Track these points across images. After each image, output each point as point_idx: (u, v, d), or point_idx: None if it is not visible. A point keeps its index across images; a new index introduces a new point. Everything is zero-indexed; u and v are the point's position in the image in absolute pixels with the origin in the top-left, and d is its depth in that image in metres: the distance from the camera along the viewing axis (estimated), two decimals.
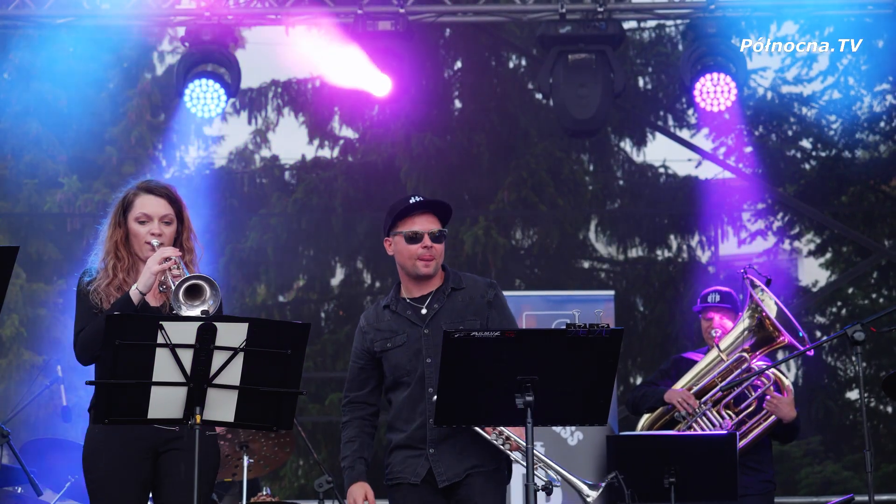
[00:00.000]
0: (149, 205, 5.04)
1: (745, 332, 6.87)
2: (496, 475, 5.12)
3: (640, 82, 14.71)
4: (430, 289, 5.20)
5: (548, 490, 4.87)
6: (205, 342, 4.45)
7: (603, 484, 5.12)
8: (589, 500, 5.00)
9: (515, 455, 5.00)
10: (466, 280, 5.25)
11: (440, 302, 5.17)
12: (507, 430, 5.00)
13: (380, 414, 5.42)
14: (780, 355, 6.99)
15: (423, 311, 5.15)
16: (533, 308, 9.67)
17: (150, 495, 5.00)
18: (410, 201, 5.23)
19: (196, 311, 4.71)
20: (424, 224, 5.21)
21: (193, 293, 4.74)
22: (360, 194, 14.03)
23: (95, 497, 4.91)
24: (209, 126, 14.02)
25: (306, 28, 9.50)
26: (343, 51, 9.34)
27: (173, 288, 4.73)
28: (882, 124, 14.02)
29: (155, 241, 4.99)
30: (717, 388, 6.81)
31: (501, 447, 5.01)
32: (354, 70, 9.43)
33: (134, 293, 4.87)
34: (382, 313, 5.24)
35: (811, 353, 6.96)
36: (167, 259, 4.87)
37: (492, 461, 5.10)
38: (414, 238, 5.20)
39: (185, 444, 4.81)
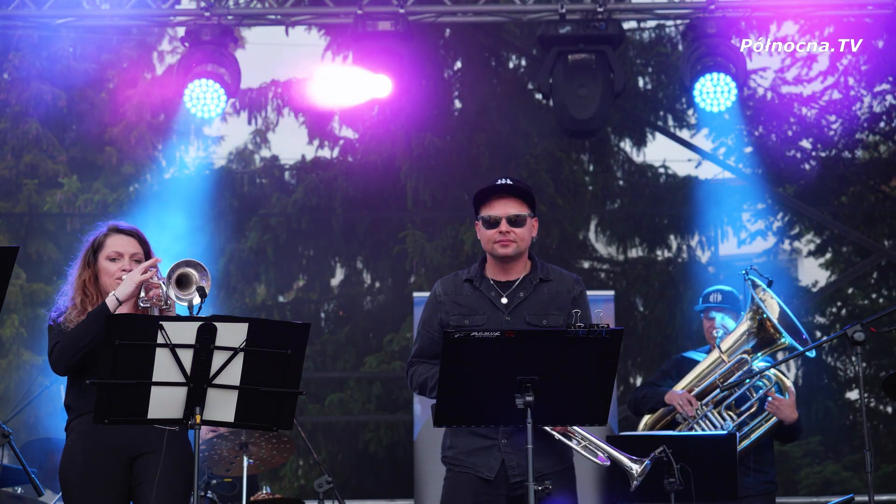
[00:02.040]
0: (119, 243, 5.20)
1: (747, 334, 6.87)
2: (567, 474, 5.11)
3: (640, 82, 14.71)
4: (517, 275, 5.17)
5: (547, 490, 4.87)
6: (205, 342, 4.46)
7: (647, 460, 5.12)
8: (633, 472, 5.01)
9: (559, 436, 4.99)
10: (554, 273, 5.22)
11: (526, 291, 5.14)
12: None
13: None
14: (780, 356, 6.99)
15: (504, 301, 5.11)
16: None
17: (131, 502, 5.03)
18: (497, 183, 5.17)
19: (192, 296, 4.80)
20: (501, 208, 5.14)
21: (183, 282, 4.85)
22: (360, 194, 14.02)
23: None
24: (209, 126, 14.02)
25: (306, 28, 9.49)
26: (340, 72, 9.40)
27: (163, 289, 4.80)
28: (882, 124, 14.01)
29: (125, 276, 5.08)
30: (719, 389, 6.81)
31: (560, 437, 4.99)
32: (354, 86, 9.49)
33: (111, 300, 4.96)
34: (462, 286, 5.20)
35: (812, 353, 6.95)
36: (148, 270, 4.95)
37: (562, 461, 5.09)
38: (490, 223, 5.14)
39: (158, 447, 4.85)
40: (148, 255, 5.22)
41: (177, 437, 4.90)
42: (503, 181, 5.15)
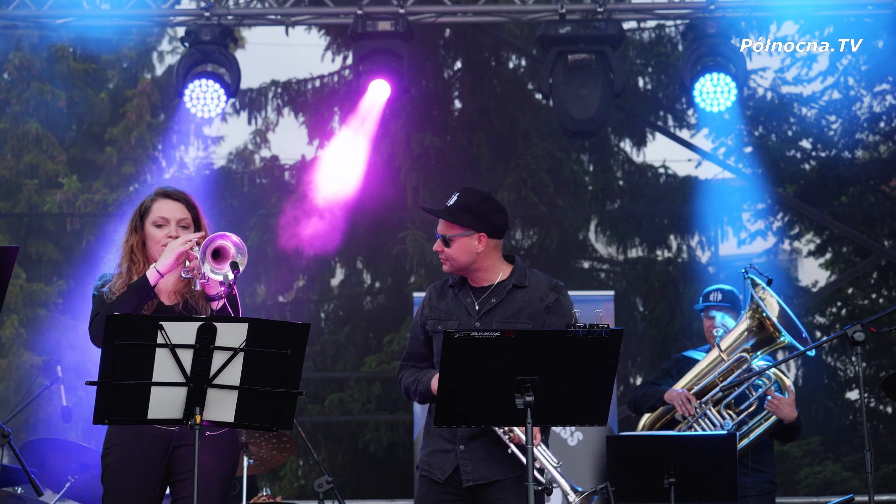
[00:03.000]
0: (166, 209, 5.12)
1: (746, 333, 6.87)
2: (517, 483, 5.06)
3: (640, 82, 14.71)
4: (493, 280, 5.20)
5: (547, 490, 4.87)
6: (205, 342, 4.45)
7: (589, 491, 5.08)
8: (570, 499, 4.99)
9: (514, 448, 4.98)
10: (532, 278, 5.21)
11: (498, 297, 5.16)
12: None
13: None
14: (780, 355, 6.99)
15: (477, 307, 5.16)
16: None
17: (168, 491, 5.02)
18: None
19: (226, 271, 4.80)
20: (439, 228, 5.25)
21: (218, 256, 4.83)
22: (360, 194, 14.01)
23: (110, 493, 4.92)
24: (209, 126, 14.02)
25: (306, 28, 9.50)
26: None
27: (199, 260, 4.78)
28: (882, 124, 14.01)
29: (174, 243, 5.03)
30: (718, 388, 6.81)
31: (503, 436, 4.99)
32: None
33: (152, 273, 4.92)
34: (447, 292, 5.27)
35: (812, 353, 6.96)
36: (189, 241, 4.91)
37: (515, 468, 5.05)
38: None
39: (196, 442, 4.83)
40: (197, 220, 5.15)
41: (224, 433, 4.87)
42: (451, 199, 5.23)
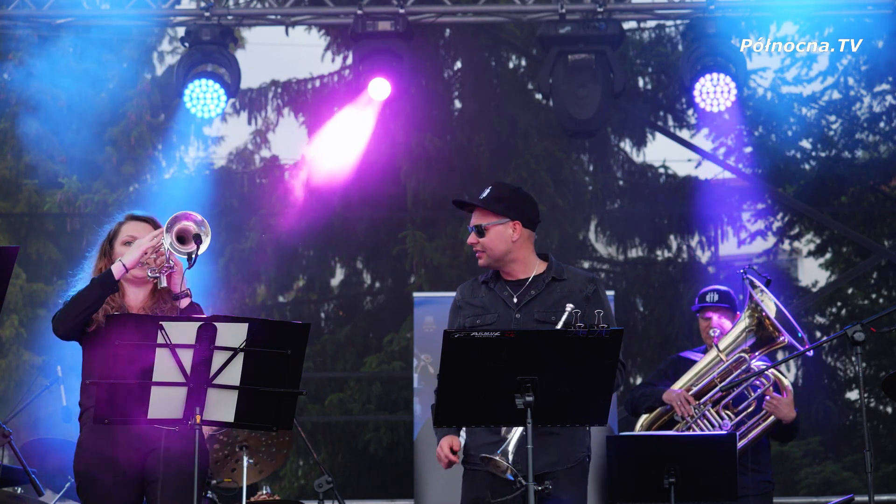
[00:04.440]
0: (134, 229, 5.20)
1: (745, 333, 6.87)
2: (577, 470, 5.13)
3: (640, 82, 14.70)
4: (529, 274, 5.24)
5: (547, 490, 4.87)
6: (205, 342, 4.45)
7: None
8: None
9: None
10: (568, 272, 5.29)
11: (537, 289, 5.20)
12: None
13: None
14: (779, 355, 6.99)
15: (515, 300, 5.20)
16: None
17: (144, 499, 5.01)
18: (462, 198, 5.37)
19: (191, 250, 4.84)
20: (470, 220, 5.28)
21: (183, 239, 4.89)
22: (360, 194, 14.02)
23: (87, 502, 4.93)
24: (209, 126, 14.01)
25: (306, 28, 9.50)
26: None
27: (165, 247, 4.85)
28: (882, 124, 14.01)
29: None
30: (717, 388, 6.81)
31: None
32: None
33: (117, 266, 4.96)
34: (479, 288, 5.31)
35: (811, 353, 6.96)
36: (155, 237, 4.96)
37: (572, 457, 5.12)
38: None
39: (168, 446, 4.84)
40: None
41: (185, 435, 4.85)
42: (481, 192, 5.28)
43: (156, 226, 5.21)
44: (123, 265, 4.94)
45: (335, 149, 11.11)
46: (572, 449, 5.16)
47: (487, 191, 5.27)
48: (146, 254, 4.94)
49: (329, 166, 11.58)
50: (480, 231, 5.22)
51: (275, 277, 14.37)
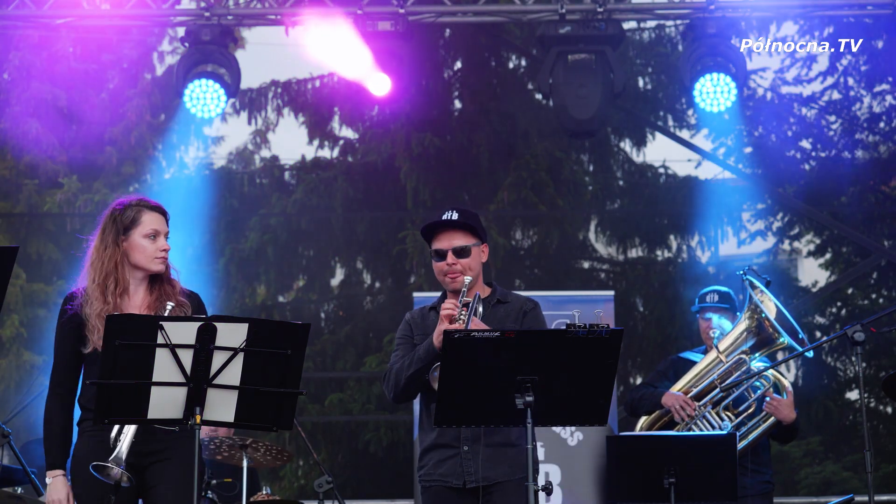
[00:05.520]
0: (156, 221, 5.04)
1: (745, 333, 6.88)
2: (518, 486, 5.07)
3: (640, 82, 14.71)
4: (481, 296, 5.28)
5: (547, 490, 4.87)
6: (205, 342, 4.45)
7: None
8: None
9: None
10: (511, 297, 5.38)
11: (484, 309, 5.26)
12: None
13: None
14: (779, 356, 6.99)
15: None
16: None
17: None
18: (440, 219, 5.32)
19: None
20: (447, 241, 5.27)
21: None
22: (360, 194, 14.03)
23: None
24: (209, 126, 14.01)
25: (306, 28, 9.48)
26: (350, 45, 9.30)
27: None
28: (882, 124, 14.01)
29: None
30: (717, 389, 6.81)
31: None
32: (358, 65, 9.43)
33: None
34: (428, 314, 5.36)
35: (811, 353, 6.96)
36: None
37: (518, 470, 5.09)
38: (439, 255, 5.29)
39: (168, 455, 4.83)
40: (167, 233, 5.09)
41: (186, 438, 4.81)
42: (448, 215, 5.30)
43: (167, 219, 5.10)
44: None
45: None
46: (523, 461, 5.12)
47: (456, 214, 5.29)
48: None
49: None
50: (464, 252, 5.24)
51: (275, 277, 14.38)
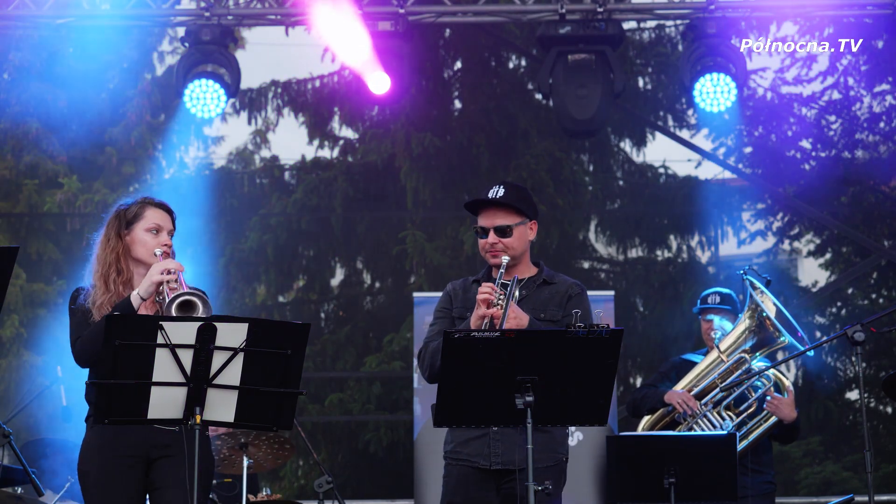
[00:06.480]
0: (159, 217, 5.12)
1: (745, 333, 6.88)
2: (555, 470, 5.12)
3: (640, 82, 14.70)
4: (525, 275, 5.28)
5: (547, 490, 4.87)
6: (205, 342, 4.46)
7: None
8: None
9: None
10: (558, 278, 5.35)
11: (528, 290, 5.24)
12: None
13: None
14: (780, 356, 6.99)
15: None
16: None
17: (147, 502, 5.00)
18: (484, 197, 5.27)
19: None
20: (489, 220, 5.25)
21: (186, 307, 4.77)
22: (360, 194, 14.03)
23: None
24: (209, 126, 14.02)
25: (310, 17, 9.45)
26: (354, 33, 9.26)
27: (167, 300, 4.76)
28: (882, 124, 14.00)
29: (158, 251, 5.04)
30: (718, 389, 6.82)
31: None
32: (362, 55, 9.40)
33: (135, 297, 4.90)
34: (471, 286, 5.31)
35: (811, 353, 6.96)
36: (169, 272, 4.88)
37: (551, 457, 5.11)
38: (480, 233, 5.28)
39: (176, 451, 4.83)
40: (172, 231, 5.15)
41: (201, 439, 4.82)
42: (494, 191, 5.26)
43: (172, 217, 5.17)
44: (141, 297, 4.89)
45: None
46: (553, 447, 5.15)
47: (502, 190, 5.25)
48: (157, 286, 4.88)
49: None
50: (505, 231, 5.21)
51: (275, 277, 14.37)
